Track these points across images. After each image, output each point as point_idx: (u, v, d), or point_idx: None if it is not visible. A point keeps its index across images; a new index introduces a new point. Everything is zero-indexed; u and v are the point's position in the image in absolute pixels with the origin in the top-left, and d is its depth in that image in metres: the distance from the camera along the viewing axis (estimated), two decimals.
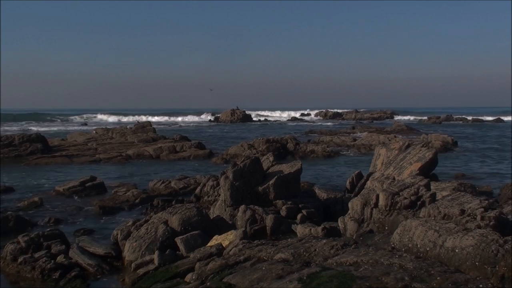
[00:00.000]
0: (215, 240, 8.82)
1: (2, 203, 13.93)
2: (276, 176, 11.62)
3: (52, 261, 8.37)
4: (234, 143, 32.33)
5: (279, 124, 71.20)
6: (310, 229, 9.24)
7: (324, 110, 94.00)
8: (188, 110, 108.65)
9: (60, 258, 8.51)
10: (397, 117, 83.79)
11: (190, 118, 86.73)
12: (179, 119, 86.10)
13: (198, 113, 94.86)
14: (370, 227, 8.69)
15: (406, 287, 5.59)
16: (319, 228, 9.18)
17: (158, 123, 68.45)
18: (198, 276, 7.07)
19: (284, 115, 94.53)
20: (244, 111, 76.93)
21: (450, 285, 5.57)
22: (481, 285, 5.57)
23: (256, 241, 8.20)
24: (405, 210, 8.57)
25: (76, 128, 56.20)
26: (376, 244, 7.44)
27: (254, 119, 78.26)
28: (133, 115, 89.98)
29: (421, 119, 77.11)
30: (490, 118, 77.56)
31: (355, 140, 32.83)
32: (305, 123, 71.55)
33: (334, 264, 6.58)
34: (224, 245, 8.38)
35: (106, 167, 22.81)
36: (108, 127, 41.01)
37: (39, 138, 26.84)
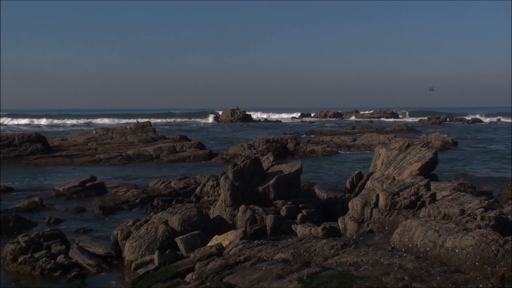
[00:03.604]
0: (215, 240, 8.83)
1: (2, 203, 13.93)
2: (276, 176, 11.62)
3: (52, 261, 8.38)
4: (234, 143, 32.34)
5: (279, 124, 71.19)
6: (310, 229, 9.24)
7: (324, 110, 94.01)
8: (188, 110, 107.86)
9: (60, 258, 8.52)
10: (397, 119, 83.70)
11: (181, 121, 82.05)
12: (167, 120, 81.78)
13: (198, 114, 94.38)
14: (370, 227, 8.69)
15: (406, 287, 5.60)
16: (319, 228, 9.18)
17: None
18: (198, 276, 7.07)
19: (284, 115, 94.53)
20: (244, 111, 76.93)
21: (450, 285, 5.57)
22: (481, 285, 5.57)
23: (256, 241, 8.21)
24: (405, 210, 8.57)
25: None
26: (376, 244, 7.45)
27: (254, 119, 78.24)
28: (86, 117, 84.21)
29: (421, 119, 77.13)
30: (490, 119, 77.60)
31: (355, 140, 32.84)
32: (305, 123, 71.56)
33: (334, 264, 6.59)
34: (224, 245, 8.38)
35: (106, 167, 22.81)
36: (107, 128, 40.94)
37: (39, 138, 26.83)
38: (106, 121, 76.53)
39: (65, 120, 78.17)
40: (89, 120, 78.79)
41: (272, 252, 7.29)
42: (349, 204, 9.46)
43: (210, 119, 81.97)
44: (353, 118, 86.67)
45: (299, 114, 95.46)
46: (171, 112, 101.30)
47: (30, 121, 75.35)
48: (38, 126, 65.59)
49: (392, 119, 78.79)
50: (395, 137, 28.41)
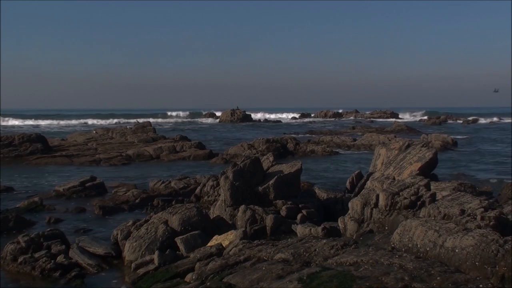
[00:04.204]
0: (215, 240, 8.83)
1: (2, 203, 13.92)
2: (276, 176, 11.62)
3: (52, 261, 8.38)
4: (234, 143, 32.34)
5: (279, 124, 71.18)
6: (310, 229, 9.24)
7: (324, 110, 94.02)
8: (188, 110, 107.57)
9: (60, 258, 8.52)
10: (396, 119, 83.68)
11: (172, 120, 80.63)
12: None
13: (197, 114, 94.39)
14: (370, 227, 8.69)
15: (406, 287, 5.60)
16: (319, 228, 9.18)
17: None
18: (198, 276, 7.08)
19: (284, 115, 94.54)
20: (244, 111, 76.91)
21: (450, 285, 5.57)
22: (481, 285, 5.58)
23: (256, 241, 8.21)
24: (405, 210, 8.57)
25: None
26: (376, 244, 7.45)
27: (254, 119, 78.25)
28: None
29: (421, 119, 77.15)
30: (490, 119, 77.64)
31: (355, 140, 32.84)
32: (305, 123, 71.55)
33: (334, 264, 6.59)
34: (224, 245, 8.39)
35: (106, 167, 22.81)
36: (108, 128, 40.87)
37: (39, 138, 26.83)
38: (107, 121, 75.72)
39: (65, 120, 77.67)
40: (86, 120, 77.78)
41: (272, 252, 7.29)
42: (349, 204, 9.46)
43: (210, 119, 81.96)
44: (353, 118, 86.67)
45: (299, 114, 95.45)
46: (171, 113, 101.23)
47: (30, 121, 75.03)
48: (38, 126, 65.40)
49: (392, 119, 78.74)
50: (395, 137, 28.41)
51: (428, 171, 14.51)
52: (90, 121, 75.64)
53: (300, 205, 11.29)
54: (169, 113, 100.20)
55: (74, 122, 74.62)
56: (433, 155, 14.74)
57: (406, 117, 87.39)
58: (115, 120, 76.33)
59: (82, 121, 76.38)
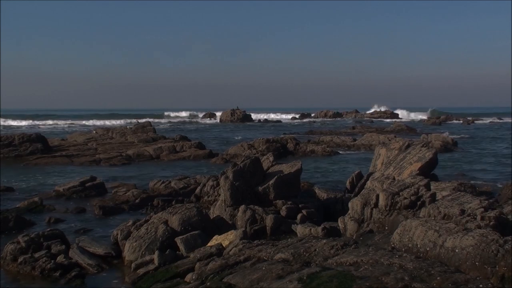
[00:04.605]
0: (215, 240, 8.83)
1: (2, 203, 13.92)
2: (276, 176, 11.62)
3: (52, 261, 8.38)
4: (234, 143, 32.35)
5: (279, 124, 71.17)
6: (310, 229, 9.24)
7: (324, 110, 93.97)
8: (188, 110, 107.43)
9: (60, 258, 8.52)
10: (396, 119, 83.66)
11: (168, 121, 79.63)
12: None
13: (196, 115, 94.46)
14: (370, 227, 8.69)
15: (406, 287, 5.60)
16: (319, 228, 9.18)
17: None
18: (198, 276, 7.08)
19: (284, 116, 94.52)
20: (244, 111, 76.89)
21: (450, 285, 5.58)
22: (481, 285, 5.58)
23: (256, 241, 8.21)
24: (405, 210, 8.57)
25: None
26: (376, 244, 7.45)
27: (254, 119, 78.24)
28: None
29: (421, 119, 77.14)
30: (490, 119, 77.66)
31: (355, 140, 32.84)
32: (305, 123, 71.55)
33: (334, 264, 6.59)
34: (224, 245, 8.39)
35: (106, 167, 22.81)
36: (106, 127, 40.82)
37: (39, 138, 26.83)
38: (107, 121, 75.39)
39: (65, 120, 77.41)
40: (86, 120, 77.25)
41: (272, 252, 7.29)
42: (349, 204, 9.46)
43: (210, 119, 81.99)
44: (353, 118, 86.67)
45: (299, 114, 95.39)
46: (171, 113, 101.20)
47: (29, 121, 74.86)
48: (38, 126, 65.31)
49: (392, 119, 78.70)
50: (395, 137, 28.42)
51: (428, 171, 14.52)
52: (90, 121, 75.48)
53: (300, 205, 11.29)
54: (169, 113, 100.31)
55: (74, 122, 74.44)
56: (433, 155, 14.74)
57: (406, 117, 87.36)
58: (115, 121, 76.13)
59: (82, 121, 76.20)
